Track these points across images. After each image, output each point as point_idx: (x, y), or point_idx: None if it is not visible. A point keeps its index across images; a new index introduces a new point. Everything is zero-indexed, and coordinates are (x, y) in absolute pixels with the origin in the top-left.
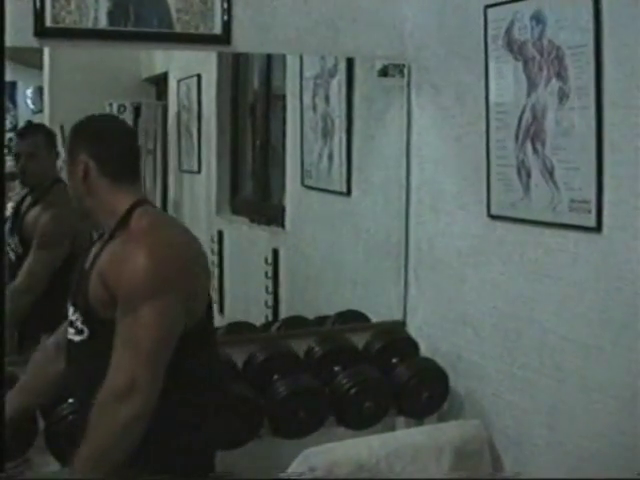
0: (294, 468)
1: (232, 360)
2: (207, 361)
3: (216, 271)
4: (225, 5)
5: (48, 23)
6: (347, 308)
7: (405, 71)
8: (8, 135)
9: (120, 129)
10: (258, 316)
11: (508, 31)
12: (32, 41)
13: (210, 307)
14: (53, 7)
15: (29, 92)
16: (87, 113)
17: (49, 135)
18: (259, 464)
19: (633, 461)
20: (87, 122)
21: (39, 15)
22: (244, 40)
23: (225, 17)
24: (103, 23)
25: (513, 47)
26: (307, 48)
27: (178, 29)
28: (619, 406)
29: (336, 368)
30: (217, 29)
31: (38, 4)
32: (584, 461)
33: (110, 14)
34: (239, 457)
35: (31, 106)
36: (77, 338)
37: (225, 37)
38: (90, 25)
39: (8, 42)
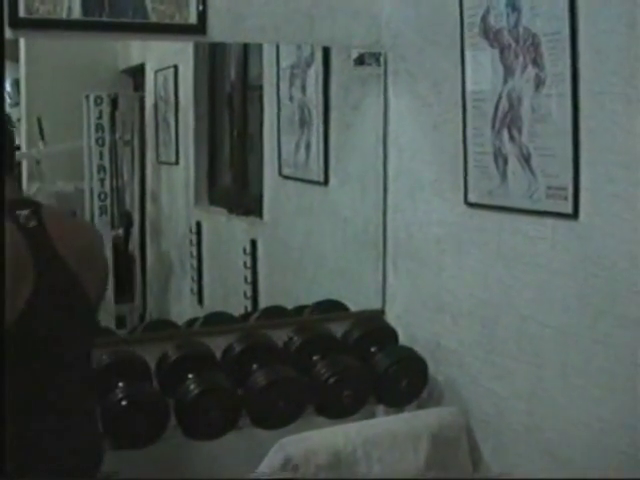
0: (270, 457)
1: (210, 351)
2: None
3: (195, 262)
4: None
5: (22, 14)
6: (326, 297)
7: (381, 59)
8: None
9: None
10: (237, 306)
11: (484, 19)
12: (7, 32)
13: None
14: None
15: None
16: (64, 105)
17: None
18: (238, 455)
19: (612, 447)
20: None
21: (12, 5)
22: (220, 30)
23: (200, 7)
24: (77, 13)
25: (489, 35)
26: (283, 37)
27: (153, 19)
28: (598, 392)
29: (315, 357)
30: (192, 19)
31: None
32: (564, 447)
33: (84, 4)
34: (218, 448)
35: (7, 99)
36: None
37: (201, 27)
38: (64, 15)
39: None
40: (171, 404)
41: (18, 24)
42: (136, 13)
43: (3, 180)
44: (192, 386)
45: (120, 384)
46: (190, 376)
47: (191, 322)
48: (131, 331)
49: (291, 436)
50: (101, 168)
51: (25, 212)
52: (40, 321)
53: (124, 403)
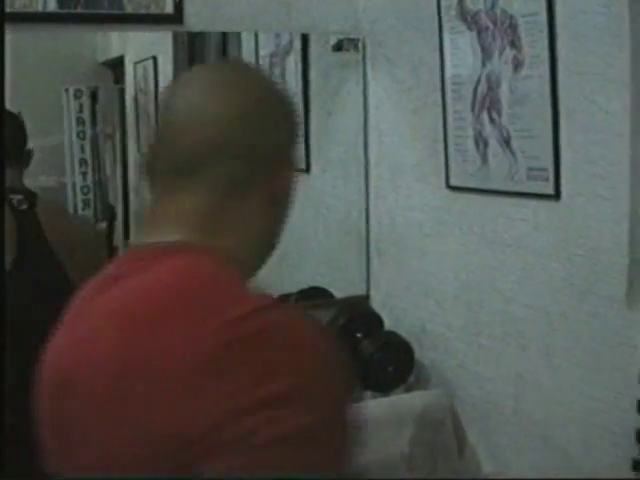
0: None
1: None
2: None
3: None
4: None
5: None
6: (310, 285)
7: (360, 45)
8: None
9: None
10: None
11: (461, 1)
12: None
13: None
14: None
15: None
16: (44, 99)
17: None
18: None
19: (599, 426)
20: None
21: None
22: (196, 19)
23: None
24: (53, 6)
25: (467, 17)
26: (260, 25)
27: (129, 10)
28: (583, 372)
29: None
30: (169, 8)
31: None
32: (551, 429)
33: None
34: None
35: None
36: None
37: (177, 16)
38: (40, 8)
39: None
40: None
41: None
42: (112, 4)
43: (3, 178)
44: None
45: None
46: None
47: None
48: None
49: None
50: (83, 162)
51: (19, 197)
52: (19, 290)
53: None
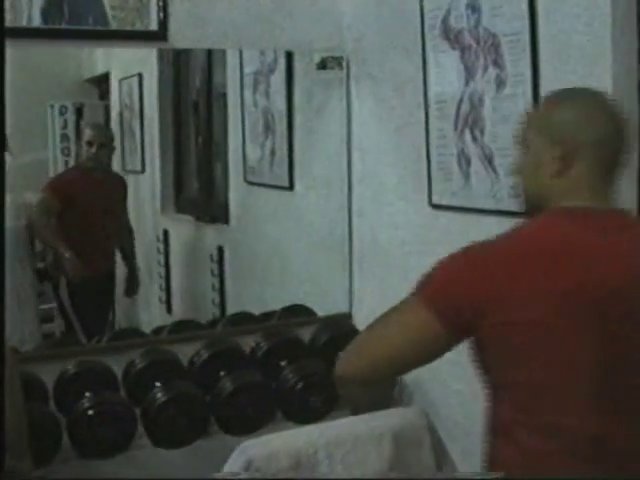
0: (232, 460)
1: (177, 358)
2: None
3: (162, 270)
4: (161, 1)
5: None
6: (293, 303)
7: (344, 63)
8: None
9: None
10: (205, 314)
11: (444, 20)
12: None
13: None
14: None
15: None
16: (29, 115)
17: None
18: (207, 462)
19: None
20: None
21: None
22: (181, 36)
23: (161, 13)
24: (37, 21)
25: (450, 36)
26: (245, 42)
27: (114, 26)
28: None
29: (282, 363)
30: (153, 25)
31: None
32: None
33: (44, 12)
34: (187, 456)
35: None
36: None
37: (162, 33)
38: (24, 23)
39: None
40: (138, 413)
41: None
42: (96, 20)
43: (3, 179)
44: (159, 394)
45: (87, 394)
46: (157, 384)
47: (158, 330)
48: (98, 340)
49: (253, 439)
50: None
51: None
52: None
53: (90, 413)
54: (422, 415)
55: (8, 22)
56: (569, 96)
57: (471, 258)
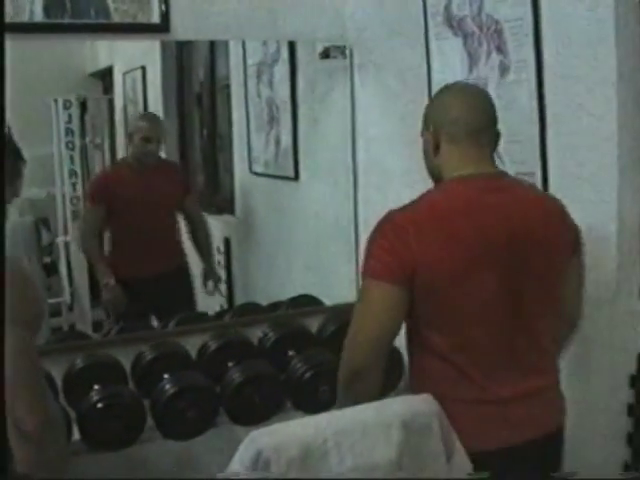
0: (241, 451)
1: (185, 350)
2: None
3: None
4: None
5: None
6: (300, 293)
7: (347, 52)
8: None
9: None
10: (213, 305)
11: (447, 7)
12: None
13: None
14: None
15: None
16: (32, 109)
17: None
18: (217, 453)
19: (589, 430)
20: None
21: None
22: (183, 28)
23: (163, 5)
24: (39, 16)
25: (452, 23)
26: (247, 33)
27: (116, 19)
28: (572, 376)
29: (290, 353)
30: (155, 17)
31: None
32: None
33: (46, 7)
34: (196, 447)
35: None
36: None
37: (164, 25)
38: (26, 19)
39: None
40: (147, 405)
41: None
42: (98, 14)
43: (3, 179)
44: (168, 386)
45: (95, 387)
46: (166, 376)
47: (166, 323)
48: (106, 334)
49: (262, 429)
50: (72, 172)
51: None
52: None
53: (100, 406)
54: (431, 402)
55: (9, 18)
56: (441, 90)
57: (395, 226)
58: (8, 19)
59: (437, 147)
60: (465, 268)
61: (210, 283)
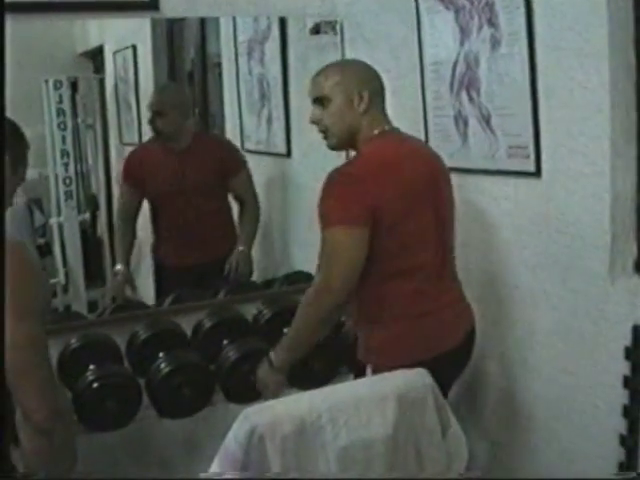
0: (236, 428)
1: (180, 329)
2: None
3: None
4: None
5: None
6: (294, 270)
7: (337, 28)
8: None
9: None
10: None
11: None
12: None
13: None
14: None
15: None
16: (23, 90)
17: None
18: (213, 431)
19: (585, 402)
20: None
21: None
22: (173, 5)
23: None
24: None
25: None
26: (237, 10)
27: None
28: (567, 349)
29: (285, 329)
30: None
31: None
32: (536, 406)
33: None
34: (193, 425)
35: None
36: None
37: (153, 3)
38: None
39: None
40: (143, 384)
41: None
42: None
43: (3, 180)
44: (163, 365)
45: (91, 367)
46: (160, 355)
47: (160, 301)
48: (100, 314)
49: (256, 405)
50: (64, 153)
51: None
52: None
53: (95, 385)
54: (425, 376)
55: None
56: (360, 61)
57: (352, 177)
58: None
59: (367, 107)
60: (411, 204)
61: (233, 265)
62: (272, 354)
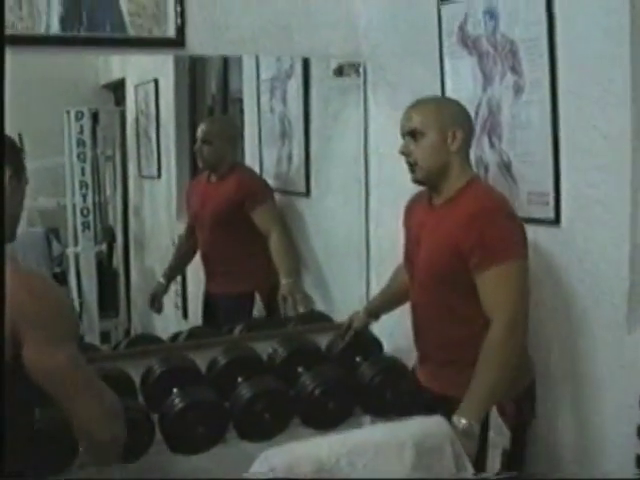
0: (255, 469)
1: (195, 364)
2: None
3: (178, 277)
4: (178, 8)
5: None
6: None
7: (361, 70)
8: None
9: None
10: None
11: (462, 26)
12: None
13: None
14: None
15: None
16: (45, 120)
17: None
18: (226, 469)
19: (598, 450)
20: None
21: None
22: (198, 43)
23: (179, 20)
24: (55, 29)
25: (467, 42)
26: (262, 49)
27: (132, 33)
28: (583, 395)
29: (299, 369)
30: (171, 32)
31: None
32: (554, 449)
33: (62, 20)
34: (205, 462)
35: None
36: None
37: (179, 40)
38: (42, 31)
39: None
40: (156, 419)
41: None
42: (114, 27)
43: (3, 182)
44: (177, 400)
45: None
46: (175, 390)
47: (175, 336)
48: (115, 346)
49: (275, 447)
50: (83, 184)
51: None
52: None
53: None
54: (443, 424)
55: (24, 29)
56: (454, 100)
57: (511, 213)
58: (24, 31)
59: (459, 147)
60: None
61: (292, 298)
62: (457, 418)
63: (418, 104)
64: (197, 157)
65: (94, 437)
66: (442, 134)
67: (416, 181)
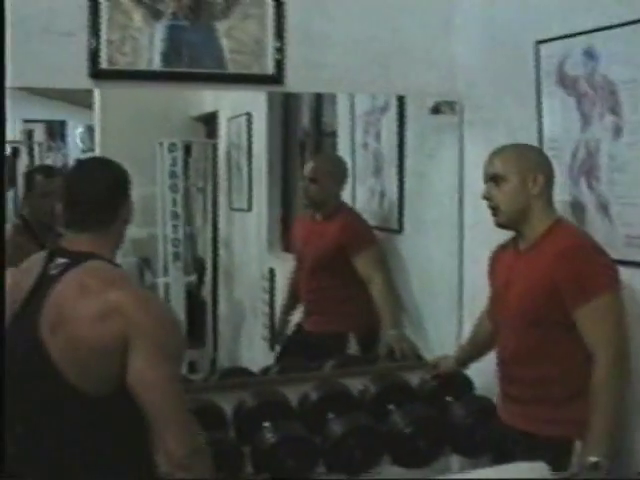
0: None
1: (286, 399)
2: None
3: (267, 309)
4: (278, 45)
5: (103, 65)
6: None
7: (457, 108)
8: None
9: None
10: None
11: (560, 66)
12: (87, 83)
13: None
14: (108, 49)
15: (78, 131)
16: (137, 151)
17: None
18: None
19: None
20: None
21: (94, 57)
22: (296, 80)
23: (278, 57)
24: (157, 64)
25: (566, 83)
26: (358, 87)
27: (231, 69)
28: None
29: (390, 407)
30: (269, 69)
31: (93, 46)
32: None
33: (164, 55)
34: None
35: (80, 145)
36: None
37: (278, 77)
38: (144, 66)
39: (64, 84)
40: (247, 452)
41: (100, 75)
42: (214, 63)
43: (3, 182)
44: (269, 435)
45: None
46: (266, 424)
47: (266, 370)
48: (206, 378)
49: None
50: (174, 214)
51: (61, 261)
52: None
53: None
54: (544, 470)
55: (126, 64)
56: (526, 146)
57: (598, 249)
58: (126, 65)
59: (540, 191)
60: None
61: (398, 349)
62: (584, 458)
63: (500, 150)
64: (303, 195)
65: (173, 455)
66: (523, 178)
67: (499, 225)
